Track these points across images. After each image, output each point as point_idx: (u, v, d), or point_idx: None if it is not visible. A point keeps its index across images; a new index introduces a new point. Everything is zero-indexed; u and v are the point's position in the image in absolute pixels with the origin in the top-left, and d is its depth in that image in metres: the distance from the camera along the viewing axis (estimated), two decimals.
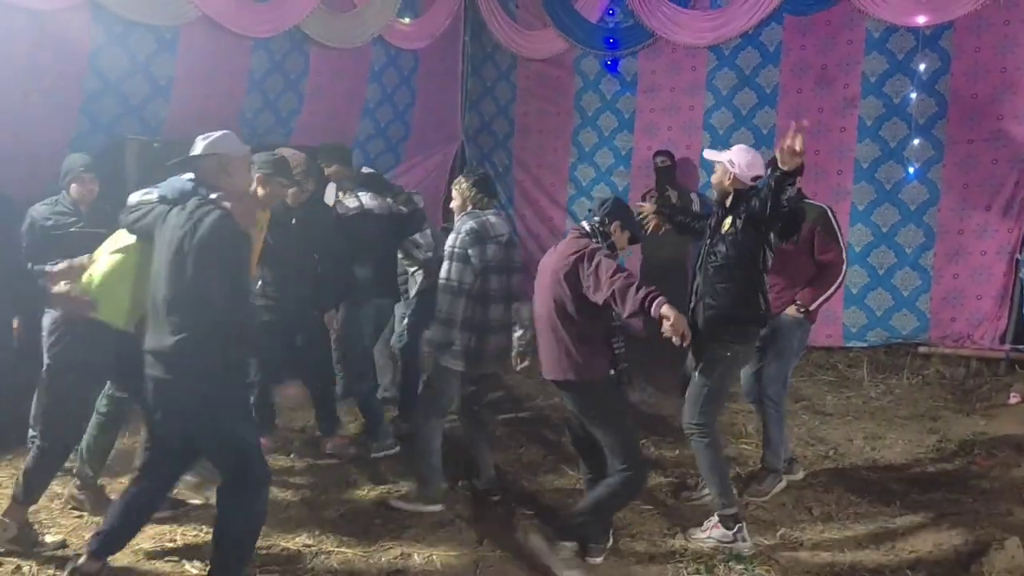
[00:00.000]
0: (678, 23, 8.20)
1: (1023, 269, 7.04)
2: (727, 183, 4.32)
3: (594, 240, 4.00)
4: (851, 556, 4.21)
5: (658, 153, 7.89)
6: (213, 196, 3.46)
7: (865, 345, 7.61)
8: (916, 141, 7.36)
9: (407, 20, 8.39)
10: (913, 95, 7.34)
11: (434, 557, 4.13)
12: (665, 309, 3.60)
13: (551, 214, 9.05)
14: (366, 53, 8.11)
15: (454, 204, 4.61)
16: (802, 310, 4.88)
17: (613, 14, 8.63)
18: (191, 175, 3.59)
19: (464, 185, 4.57)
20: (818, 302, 4.91)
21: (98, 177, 4.99)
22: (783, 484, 4.98)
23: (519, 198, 9.22)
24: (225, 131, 3.64)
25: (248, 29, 6.97)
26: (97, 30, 6.15)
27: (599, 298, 3.78)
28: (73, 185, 4.92)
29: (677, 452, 5.57)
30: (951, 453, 5.71)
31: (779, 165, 3.91)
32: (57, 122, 6.17)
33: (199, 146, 3.57)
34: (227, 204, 3.45)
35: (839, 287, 5.02)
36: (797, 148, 3.82)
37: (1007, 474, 5.29)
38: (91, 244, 4.11)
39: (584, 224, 4.11)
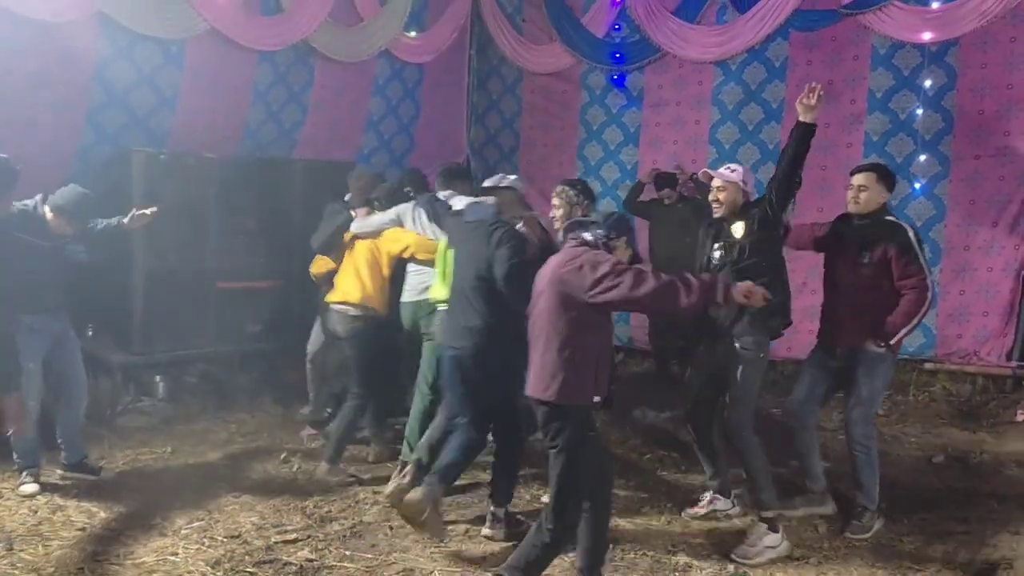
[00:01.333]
0: (685, 38, 8.21)
1: None
2: (740, 200, 4.50)
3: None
4: (858, 574, 4.17)
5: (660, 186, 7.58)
6: (511, 219, 4.50)
7: None
8: (922, 157, 7.36)
9: (413, 34, 8.42)
10: (919, 111, 7.34)
11: (436, 574, 4.10)
12: (738, 288, 3.51)
13: (558, 227, 9.02)
14: (370, 66, 8.14)
15: (558, 212, 4.55)
16: (881, 344, 4.46)
17: (620, 29, 8.66)
18: (493, 199, 4.55)
19: (571, 192, 4.58)
20: (900, 335, 4.44)
21: (74, 221, 4.89)
22: (880, 523, 4.64)
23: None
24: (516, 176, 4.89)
25: (256, 42, 7.00)
26: (104, 42, 6.18)
27: (626, 295, 3.44)
28: (51, 215, 4.80)
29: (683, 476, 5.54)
30: (958, 471, 5.67)
31: (799, 119, 4.29)
32: (63, 133, 6.20)
33: (506, 180, 4.65)
34: (520, 227, 4.49)
35: (923, 317, 4.49)
36: (813, 102, 4.29)
37: (1015, 492, 5.24)
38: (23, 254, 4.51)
39: (586, 235, 3.81)
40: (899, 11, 7.25)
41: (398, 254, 5.31)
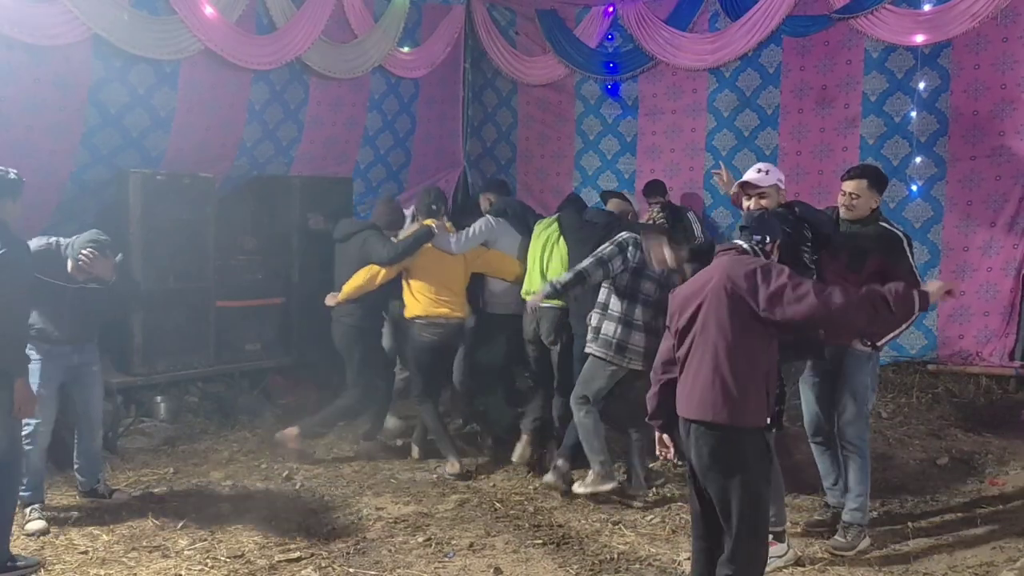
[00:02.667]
0: (677, 46, 8.23)
1: None
2: (782, 202, 4.44)
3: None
4: None
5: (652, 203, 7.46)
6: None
7: None
8: (918, 159, 7.35)
9: (407, 49, 8.44)
10: (914, 113, 7.34)
11: None
12: (934, 288, 3.35)
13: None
14: (365, 82, 8.16)
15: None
16: (867, 343, 4.47)
17: (612, 39, 8.68)
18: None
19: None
20: (887, 338, 4.56)
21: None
22: (866, 542, 4.45)
23: None
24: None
25: (250, 62, 7.01)
26: (98, 65, 6.20)
27: (813, 310, 3.15)
28: (88, 259, 4.67)
29: None
30: (962, 472, 5.65)
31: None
32: (59, 156, 6.21)
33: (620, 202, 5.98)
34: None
35: (911, 323, 4.49)
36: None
37: (1020, 492, 5.22)
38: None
39: (740, 242, 3.54)
40: (891, 14, 7.27)
41: (481, 272, 6.15)
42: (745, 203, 4.47)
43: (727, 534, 3.27)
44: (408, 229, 6.20)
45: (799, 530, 4.66)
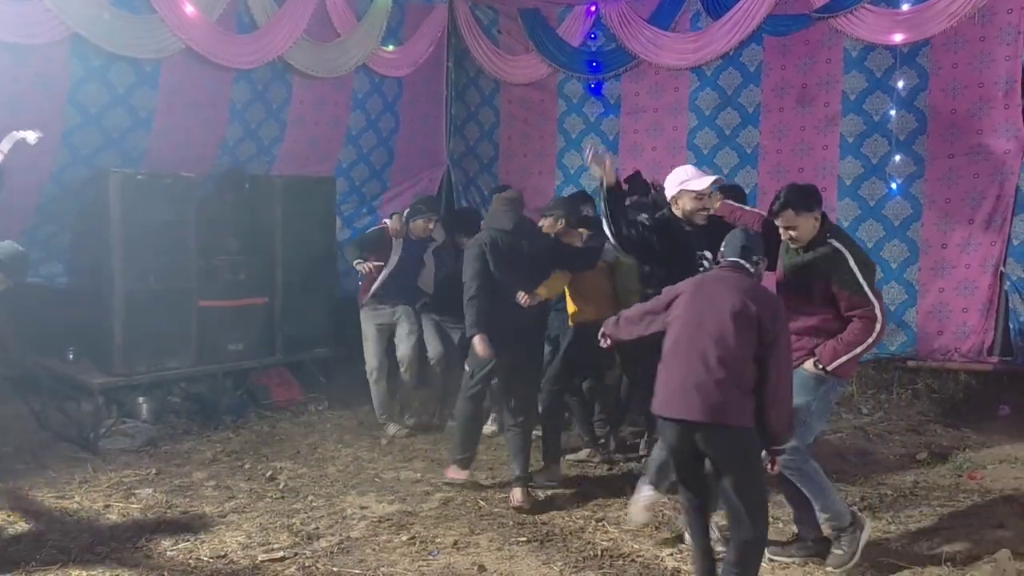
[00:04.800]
0: (660, 45, 8.27)
1: (1008, 282, 7.08)
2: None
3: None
4: (843, 572, 4.19)
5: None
6: None
7: None
8: (897, 157, 7.42)
9: (391, 48, 8.44)
10: (893, 112, 7.41)
11: None
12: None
13: None
14: (348, 81, 8.15)
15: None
16: (819, 366, 4.08)
17: (595, 38, 8.71)
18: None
19: None
20: (839, 361, 4.05)
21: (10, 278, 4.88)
22: (866, 531, 4.24)
23: None
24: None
25: (232, 61, 6.99)
26: (77, 64, 6.16)
27: (771, 363, 3.54)
28: None
29: None
30: (942, 467, 5.71)
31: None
32: (39, 156, 6.14)
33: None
34: None
35: (870, 347, 4.12)
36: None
37: (998, 486, 5.29)
38: None
39: (740, 261, 3.80)
40: (870, 14, 7.33)
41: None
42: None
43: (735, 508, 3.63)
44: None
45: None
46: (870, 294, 4.01)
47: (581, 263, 5.58)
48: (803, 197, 4.11)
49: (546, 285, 5.36)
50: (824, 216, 4.18)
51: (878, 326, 4.00)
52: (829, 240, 4.10)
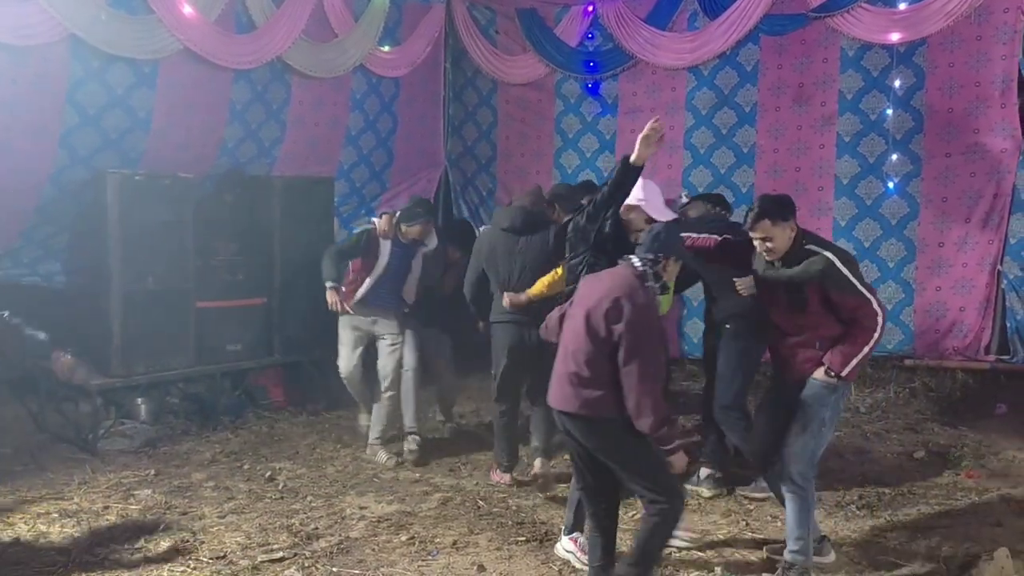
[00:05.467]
0: (657, 45, 8.28)
1: (1005, 280, 7.09)
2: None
3: (645, 282, 3.71)
4: (842, 571, 4.20)
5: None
6: None
7: None
8: (894, 156, 7.44)
9: (388, 48, 8.44)
10: (889, 111, 7.43)
11: None
12: (676, 459, 3.68)
13: None
14: (347, 81, 8.15)
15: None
16: (832, 374, 3.95)
17: (593, 38, 8.71)
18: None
19: None
20: (851, 365, 3.92)
21: None
22: None
23: None
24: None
25: (230, 61, 6.98)
26: (76, 65, 6.16)
27: (623, 364, 3.56)
28: None
29: None
30: (939, 465, 5.73)
31: (631, 158, 4.18)
32: (37, 157, 6.17)
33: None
34: None
35: (878, 341, 3.97)
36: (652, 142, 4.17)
37: (996, 485, 5.30)
38: None
39: (634, 259, 3.77)
40: (867, 13, 7.34)
41: None
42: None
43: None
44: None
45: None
46: (864, 291, 3.91)
47: None
48: (778, 207, 3.98)
49: (546, 282, 5.17)
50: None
51: (879, 320, 3.91)
52: (808, 247, 3.97)
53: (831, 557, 4.29)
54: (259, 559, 4.33)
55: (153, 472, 5.68)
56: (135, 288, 6.18)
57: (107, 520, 4.84)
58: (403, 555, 4.43)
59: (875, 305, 3.91)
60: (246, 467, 5.83)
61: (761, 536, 4.66)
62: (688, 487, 5.17)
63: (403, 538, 4.63)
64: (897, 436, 6.34)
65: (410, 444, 6.06)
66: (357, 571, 4.24)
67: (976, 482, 5.38)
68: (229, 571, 4.21)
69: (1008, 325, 7.12)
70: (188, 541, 4.55)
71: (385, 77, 8.52)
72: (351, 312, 6.06)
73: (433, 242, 6.26)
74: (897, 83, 7.37)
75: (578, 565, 4.26)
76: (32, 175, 6.14)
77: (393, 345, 6.11)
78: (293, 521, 4.86)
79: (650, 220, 4.34)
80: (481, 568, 4.26)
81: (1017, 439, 6.13)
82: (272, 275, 7.10)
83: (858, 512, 4.93)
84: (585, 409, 3.65)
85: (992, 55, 6.98)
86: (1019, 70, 6.91)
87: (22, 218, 6.18)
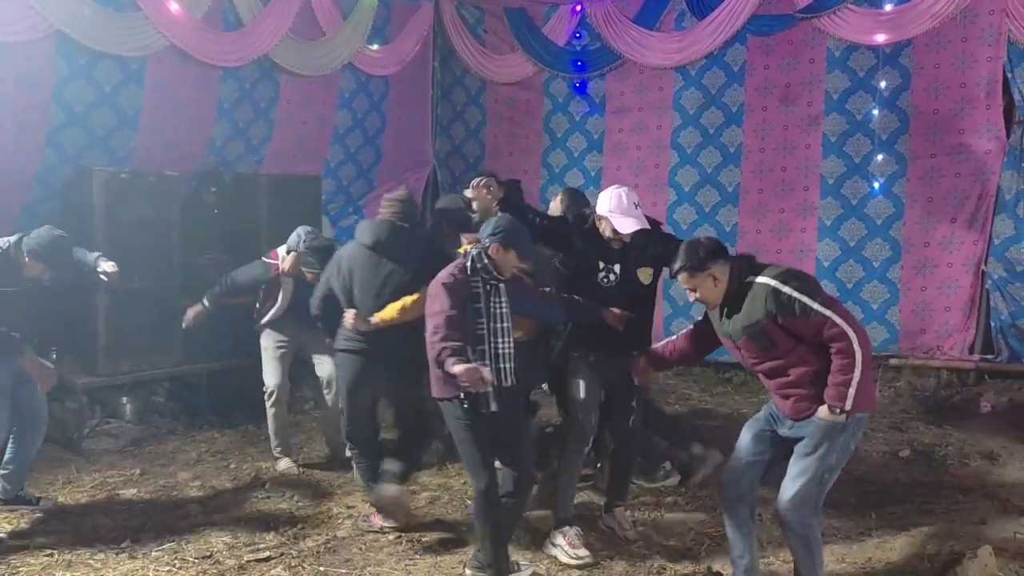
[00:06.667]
0: (645, 45, 8.31)
1: (989, 280, 7.14)
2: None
3: (467, 270, 3.90)
4: (828, 570, 4.21)
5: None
6: None
7: None
8: (880, 156, 7.49)
9: (376, 47, 8.43)
10: (875, 111, 7.48)
11: None
12: (458, 368, 3.66)
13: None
14: (336, 80, 8.14)
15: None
16: (837, 410, 3.40)
17: (581, 37, 8.74)
18: None
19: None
20: (851, 396, 3.36)
21: (51, 267, 4.67)
22: None
23: None
24: None
25: (217, 59, 6.96)
26: (62, 62, 6.12)
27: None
28: (27, 260, 4.55)
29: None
30: (924, 464, 5.76)
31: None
32: (24, 155, 6.13)
33: None
34: None
35: (865, 360, 3.37)
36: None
37: (979, 483, 5.34)
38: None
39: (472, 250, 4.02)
40: (853, 14, 7.39)
41: None
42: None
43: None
44: None
45: None
46: (820, 308, 3.37)
47: None
48: (694, 257, 3.57)
49: (399, 307, 4.43)
50: (732, 259, 3.62)
51: (851, 336, 3.35)
52: (748, 280, 3.52)
53: None
54: (245, 558, 4.32)
55: (138, 471, 5.66)
56: (121, 286, 6.13)
57: (92, 520, 4.81)
58: (390, 554, 4.42)
59: (839, 321, 3.36)
60: (232, 466, 5.82)
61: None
62: (653, 486, 5.28)
63: (390, 537, 4.63)
64: (882, 435, 6.36)
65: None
66: (344, 570, 4.24)
67: (960, 481, 5.41)
68: (216, 571, 4.20)
69: (992, 325, 7.18)
70: (174, 540, 4.53)
71: (374, 76, 8.52)
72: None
73: None
74: (883, 84, 7.42)
75: (564, 560, 4.28)
76: (19, 174, 6.11)
77: (323, 354, 5.62)
78: (280, 520, 4.85)
79: (615, 231, 4.31)
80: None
81: (1001, 438, 6.17)
82: None
83: (843, 510, 4.95)
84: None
85: (977, 57, 7.03)
86: (1004, 72, 6.96)
87: (9, 218, 6.14)
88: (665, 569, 4.24)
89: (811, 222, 7.72)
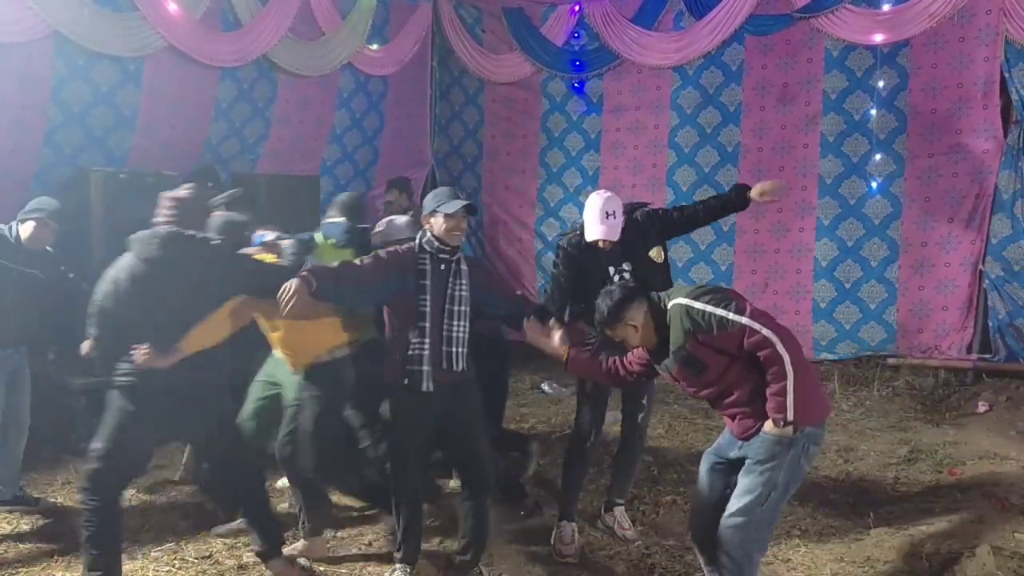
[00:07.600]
0: (643, 45, 8.32)
1: (987, 280, 7.16)
2: None
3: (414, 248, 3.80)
4: (826, 569, 4.23)
5: None
6: None
7: (835, 358, 7.70)
8: (877, 156, 7.50)
9: (375, 47, 8.44)
10: (873, 111, 7.49)
11: None
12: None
13: (520, 235, 9.11)
14: (334, 80, 8.15)
15: None
16: (780, 422, 3.19)
17: (579, 37, 8.74)
18: None
19: None
20: (790, 405, 3.15)
21: (58, 226, 4.73)
22: None
23: (488, 220, 9.26)
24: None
25: (215, 59, 6.97)
26: (60, 63, 6.12)
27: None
28: (31, 224, 4.68)
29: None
30: (922, 463, 5.76)
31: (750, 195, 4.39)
32: (21, 155, 6.13)
33: None
34: None
35: (796, 364, 3.15)
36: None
37: (978, 482, 5.34)
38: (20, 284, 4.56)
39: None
40: (851, 14, 7.40)
41: None
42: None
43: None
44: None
45: None
46: (734, 316, 3.20)
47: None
48: (605, 312, 3.42)
49: (208, 329, 3.78)
50: (650, 301, 3.42)
51: (773, 339, 3.15)
52: (668, 318, 3.35)
53: None
54: (245, 558, 4.32)
55: None
56: None
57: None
58: (391, 554, 4.41)
59: (757, 327, 3.16)
60: None
61: None
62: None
63: (391, 538, 4.61)
64: (880, 434, 6.37)
65: None
66: (344, 570, 4.24)
67: (958, 480, 5.42)
68: (215, 570, 4.20)
69: (990, 324, 7.20)
70: (173, 540, 4.53)
71: (373, 75, 8.52)
72: None
73: None
74: (881, 84, 7.43)
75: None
76: (17, 174, 6.10)
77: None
78: (279, 519, 4.83)
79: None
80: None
81: (999, 437, 6.18)
82: None
83: (841, 510, 4.96)
84: None
85: (975, 56, 7.04)
86: (1001, 72, 6.98)
87: (7, 217, 6.11)
88: (665, 569, 4.25)
89: (809, 222, 7.73)
